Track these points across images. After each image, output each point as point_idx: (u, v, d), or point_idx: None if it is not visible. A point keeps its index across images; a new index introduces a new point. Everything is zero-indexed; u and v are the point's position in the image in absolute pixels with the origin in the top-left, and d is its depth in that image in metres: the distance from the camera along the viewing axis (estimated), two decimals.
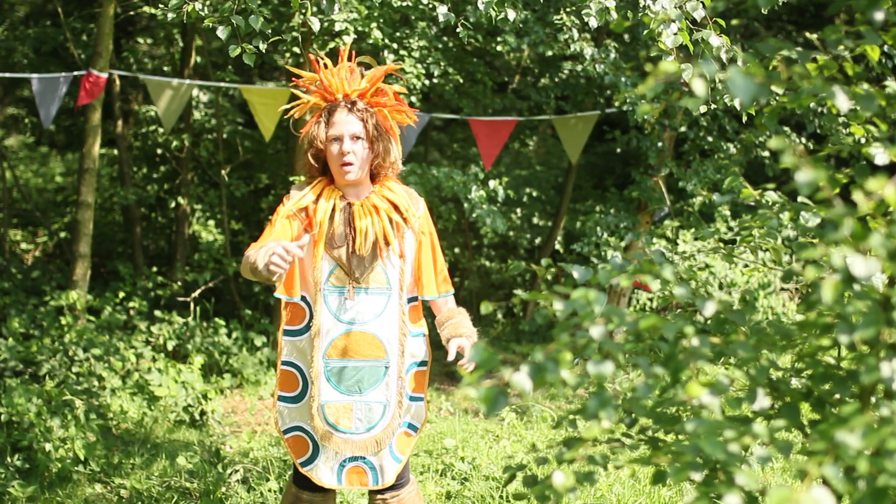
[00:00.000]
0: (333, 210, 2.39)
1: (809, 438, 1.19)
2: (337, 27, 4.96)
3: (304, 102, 2.45)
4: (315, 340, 2.38)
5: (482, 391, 1.06)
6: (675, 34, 2.56)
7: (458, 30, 3.15)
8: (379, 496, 2.50)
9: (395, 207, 2.44)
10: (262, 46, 2.73)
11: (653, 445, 1.34)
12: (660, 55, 2.62)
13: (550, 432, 4.44)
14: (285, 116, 2.54)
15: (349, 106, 2.37)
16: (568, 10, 5.64)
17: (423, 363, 2.51)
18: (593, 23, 2.94)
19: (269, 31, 2.75)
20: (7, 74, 5.88)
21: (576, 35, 5.62)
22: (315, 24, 2.79)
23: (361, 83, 2.41)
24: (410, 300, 2.48)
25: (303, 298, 2.43)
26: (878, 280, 1.28)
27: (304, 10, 2.79)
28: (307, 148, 2.42)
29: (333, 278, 2.38)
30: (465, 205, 5.63)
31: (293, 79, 2.50)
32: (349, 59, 2.44)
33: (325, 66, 2.40)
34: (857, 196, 1.02)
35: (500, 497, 3.38)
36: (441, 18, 3.00)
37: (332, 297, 2.38)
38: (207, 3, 2.82)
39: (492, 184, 5.63)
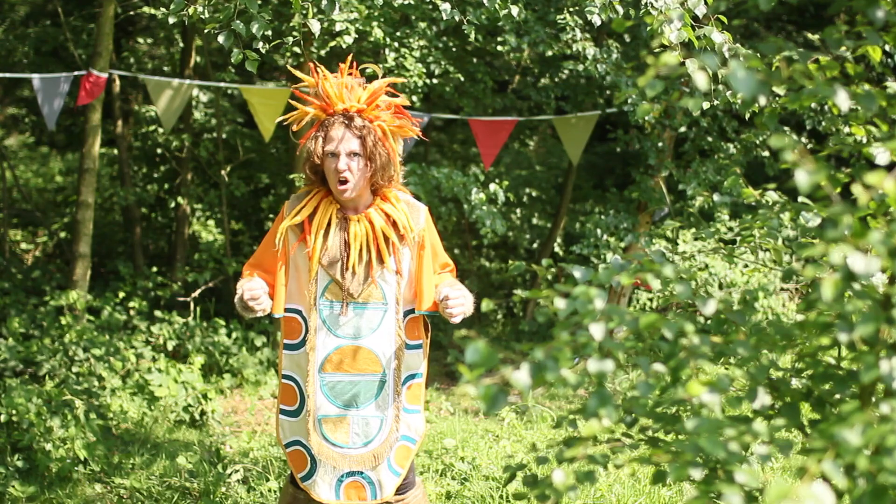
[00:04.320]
0: (329, 224, 2.36)
1: (809, 438, 1.19)
2: (337, 27, 4.95)
3: (302, 112, 2.39)
4: (310, 355, 2.36)
5: (482, 389, 1.06)
6: (679, 29, 2.54)
7: (463, 27, 3.15)
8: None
9: (394, 224, 2.38)
10: (263, 49, 2.72)
11: (653, 445, 1.34)
12: (661, 49, 2.61)
13: (550, 432, 4.44)
14: (284, 124, 2.51)
15: (346, 122, 2.30)
16: (570, 9, 5.64)
17: (418, 375, 2.47)
18: (597, 20, 2.91)
19: (270, 33, 2.73)
20: (7, 74, 5.88)
21: (578, 35, 5.62)
22: (315, 27, 2.76)
23: (361, 97, 2.33)
24: (408, 313, 2.43)
25: (298, 313, 2.40)
26: (878, 279, 1.28)
27: (304, 12, 2.77)
28: (305, 161, 2.38)
29: (328, 293, 2.36)
30: (465, 206, 5.63)
31: (295, 85, 2.45)
32: (351, 68, 2.37)
33: (325, 77, 2.33)
34: (856, 189, 1.02)
35: (500, 497, 3.38)
36: (445, 16, 2.99)
37: (327, 311, 2.36)
38: (208, 3, 2.81)
39: (492, 187, 5.63)
